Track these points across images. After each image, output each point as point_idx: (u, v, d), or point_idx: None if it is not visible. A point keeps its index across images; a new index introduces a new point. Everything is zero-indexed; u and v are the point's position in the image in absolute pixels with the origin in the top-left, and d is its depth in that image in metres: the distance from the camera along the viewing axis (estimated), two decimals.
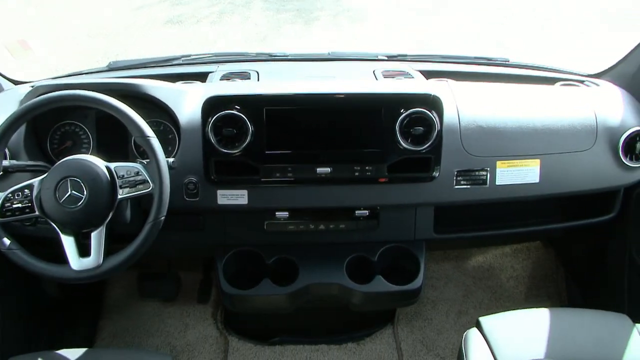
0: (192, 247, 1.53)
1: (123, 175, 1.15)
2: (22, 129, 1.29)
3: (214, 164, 1.28)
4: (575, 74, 1.68)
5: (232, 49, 4.86)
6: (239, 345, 1.81)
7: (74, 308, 1.83)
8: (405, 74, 1.54)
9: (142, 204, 1.26)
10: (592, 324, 1.21)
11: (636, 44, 1.50)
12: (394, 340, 1.83)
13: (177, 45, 4.98)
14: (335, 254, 1.40)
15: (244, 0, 6.23)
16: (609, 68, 1.63)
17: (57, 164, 1.16)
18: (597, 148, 1.39)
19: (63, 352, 1.16)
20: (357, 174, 1.30)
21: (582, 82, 1.62)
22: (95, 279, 1.14)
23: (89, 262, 1.12)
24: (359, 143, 1.30)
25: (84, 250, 1.13)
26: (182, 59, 1.69)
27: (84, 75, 1.64)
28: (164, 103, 1.32)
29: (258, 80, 1.51)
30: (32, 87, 1.34)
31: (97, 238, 1.13)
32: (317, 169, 1.30)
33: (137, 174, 1.15)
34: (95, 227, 1.13)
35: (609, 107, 1.45)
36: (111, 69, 1.65)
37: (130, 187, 1.14)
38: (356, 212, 1.38)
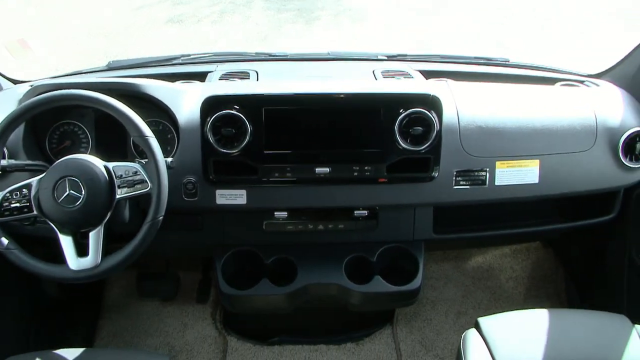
0: (190, 247, 1.53)
1: (121, 175, 1.15)
2: (20, 128, 1.29)
3: (213, 164, 1.28)
4: (575, 74, 1.68)
5: (233, 48, 4.86)
6: (238, 345, 1.81)
7: (73, 308, 1.83)
8: (405, 74, 1.53)
9: (140, 203, 1.25)
10: (590, 324, 1.21)
11: (636, 44, 1.49)
12: (393, 341, 1.83)
13: (178, 45, 4.98)
14: (334, 254, 1.40)
15: None
16: (609, 68, 1.63)
17: (55, 163, 1.16)
18: (597, 148, 1.39)
19: (61, 351, 1.16)
20: (356, 174, 1.30)
21: (582, 82, 1.62)
22: (93, 278, 1.14)
23: (87, 262, 1.12)
24: (358, 143, 1.30)
25: (82, 250, 1.13)
26: (182, 58, 1.69)
27: (83, 74, 1.64)
28: (163, 103, 1.32)
29: (257, 80, 1.51)
30: (31, 86, 1.34)
31: (95, 238, 1.12)
32: (316, 169, 1.29)
33: (136, 173, 1.15)
34: (94, 226, 1.13)
35: (608, 107, 1.45)
36: (110, 68, 1.65)
37: (128, 187, 1.14)
38: (355, 212, 1.38)
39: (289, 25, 5.62)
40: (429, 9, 5.80)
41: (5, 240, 1.13)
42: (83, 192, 1.11)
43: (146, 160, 1.16)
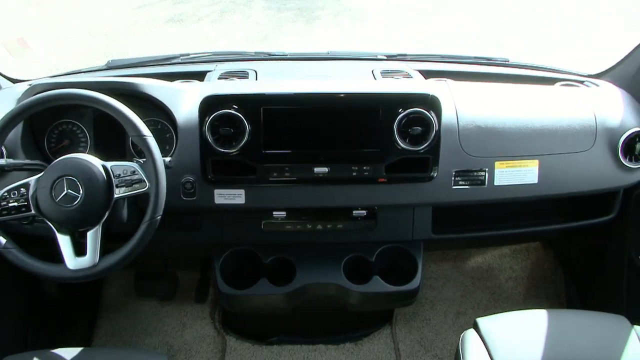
0: (189, 247, 1.53)
1: (119, 175, 1.15)
2: (19, 127, 1.29)
3: (211, 164, 1.28)
4: (575, 74, 1.68)
5: (233, 48, 4.86)
6: (237, 344, 1.81)
7: (72, 307, 1.82)
8: (404, 74, 1.53)
9: (139, 203, 1.25)
10: (589, 325, 1.20)
11: (636, 44, 1.49)
12: (392, 341, 1.83)
13: (178, 44, 4.98)
14: (333, 254, 1.39)
15: None
16: (609, 68, 1.63)
17: (53, 162, 1.16)
18: (597, 149, 1.39)
19: (59, 351, 1.16)
20: (354, 173, 1.30)
21: (581, 82, 1.61)
22: (91, 278, 1.13)
23: (84, 262, 1.12)
24: (356, 143, 1.30)
25: (80, 249, 1.13)
26: (181, 57, 1.69)
27: (82, 74, 1.64)
28: (161, 102, 1.32)
29: (256, 79, 1.50)
30: (29, 85, 1.34)
31: (93, 237, 1.12)
32: (315, 169, 1.29)
33: (134, 173, 1.15)
34: (92, 226, 1.13)
35: (608, 107, 1.45)
36: (110, 67, 1.65)
37: (126, 187, 1.14)
38: (354, 212, 1.37)
39: (289, 24, 5.62)
40: (429, 9, 5.80)
41: (3, 240, 1.13)
42: (81, 192, 1.11)
43: (144, 159, 1.16)
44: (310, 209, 1.37)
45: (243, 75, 1.51)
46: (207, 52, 1.74)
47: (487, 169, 1.34)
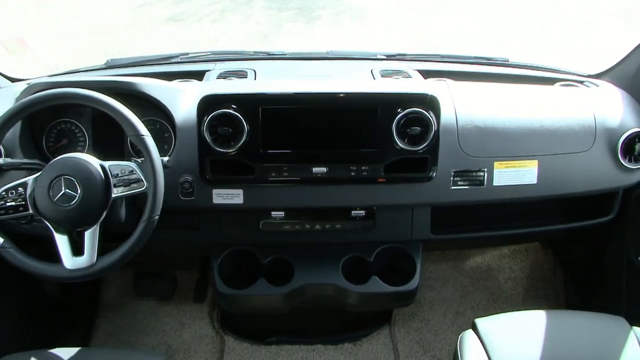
0: (187, 247, 1.52)
1: (117, 174, 1.14)
2: (17, 126, 1.29)
3: (210, 163, 1.28)
4: (575, 74, 1.68)
5: (234, 47, 4.86)
6: (235, 344, 1.80)
7: (70, 307, 1.82)
8: (403, 74, 1.53)
9: (137, 202, 1.25)
10: (588, 326, 1.20)
11: (636, 44, 1.49)
12: (391, 341, 1.83)
13: (179, 44, 4.98)
14: (331, 254, 1.39)
15: None
16: (609, 68, 1.62)
17: (51, 162, 1.15)
18: (596, 149, 1.38)
19: (56, 351, 1.15)
20: (353, 174, 1.29)
21: (581, 82, 1.61)
22: (88, 278, 1.13)
23: (82, 261, 1.11)
24: (355, 143, 1.30)
25: (77, 249, 1.13)
26: (180, 57, 1.69)
27: (81, 73, 1.64)
28: (160, 101, 1.31)
29: (255, 79, 1.50)
30: (28, 84, 1.33)
31: (90, 237, 1.12)
32: (313, 169, 1.29)
33: (132, 172, 1.15)
34: (89, 225, 1.12)
35: (608, 108, 1.44)
36: (109, 66, 1.65)
37: (124, 186, 1.14)
38: (352, 212, 1.37)
39: (290, 24, 5.61)
40: (429, 9, 5.80)
41: (0, 239, 1.13)
42: (79, 191, 1.11)
43: (142, 159, 1.16)
44: (308, 209, 1.37)
45: (242, 74, 1.51)
46: (206, 52, 1.74)
47: (486, 169, 1.34)
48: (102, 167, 1.15)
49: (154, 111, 1.33)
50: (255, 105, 1.26)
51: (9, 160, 1.23)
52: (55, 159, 1.15)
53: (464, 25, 5.34)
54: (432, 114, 1.27)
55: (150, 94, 1.31)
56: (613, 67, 1.60)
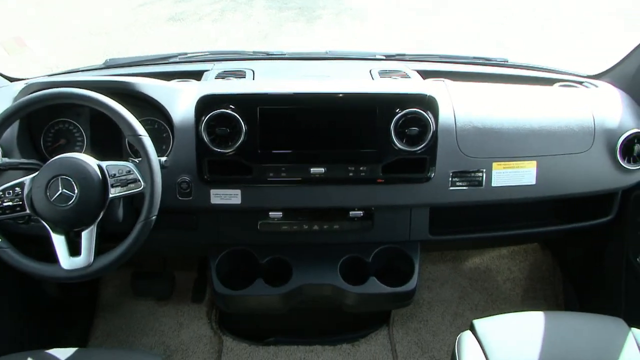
0: (185, 247, 1.52)
1: (115, 174, 1.14)
2: (15, 126, 1.29)
3: (207, 164, 1.28)
4: (574, 74, 1.67)
5: (234, 47, 4.85)
6: (233, 345, 1.80)
7: (69, 307, 1.82)
8: (402, 74, 1.53)
9: (134, 203, 1.25)
10: (586, 328, 1.20)
11: (636, 44, 1.48)
12: (389, 342, 1.82)
13: (179, 43, 4.97)
14: (329, 254, 1.39)
15: None
16: (608, 69, 1.62)
17: (48, 162, 1.15)
18: (595, 150, 1.38)
19: (54, 351, 1.15)
20: (351, 174, 1.29)
21: (580, 83, 1.61)
22: (85, 278, 1.13)
23: (79, 262, 1.11)
24: (353, 143, 1.29)
25: (75, 249, 1.13)
26: (179, 57, 1.69)
27: (79, 72, 1.64)
28: (157, 101, 1.31)
29: (253, 79, 1.50)
30: (26, 84, 1.33)
31: (87, 237, 1.12)
32: (311, 169, 1.29)
33: (129, 172, 1.14)
34: (86, 226, 1.12)
35: (607, 108, 1.44)
36: (108, 66, 1.65)
37: (121, 186, 1.14)
38: (350, 212, 1.37)
39: (290, 23, 5.61)
40: (429, 9, 5.79)
41: None
42: (76, 191, 1.11)
43: (140, 159, 1.16)
44: (306, 210, 1.37)
45: (240, 74, 1.51)
46: (205, 52, 1.74)
47: (484, 170, 1.33)
48: (100, 167, 1.14)
49: (152, 111, 1.33)
50: (253, 105, 1.26)
51: (6, 160, 1.23)
52: (53, 159, 1.15)
53: (464, 25, 5.34)
54: (430, 115, 1.27)
55: (148, 94, 1.31)
56: (612, 68, 1.60)
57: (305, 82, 1.37)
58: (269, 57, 1.72)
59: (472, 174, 1.33)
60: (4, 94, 1.40)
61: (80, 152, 1.30)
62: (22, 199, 1.13)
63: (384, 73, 1.52)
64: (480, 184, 1.34)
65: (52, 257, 1.13)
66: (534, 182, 1.35)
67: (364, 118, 1.28)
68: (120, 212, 1.21)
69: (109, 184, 1.13)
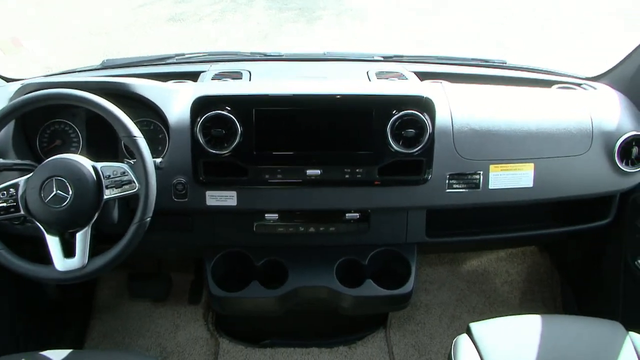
0: (180, 248, 1.52)
1: (109, 176, 1.14)
2: (10, 126, 1.28)
3: (203, 165, 1.27)
4: (572, 76, 1.66)
5: (234, 47, 4.85)
6: (230, 347, 1.80)
7: (66, 309, 1.81)
8: (399, 75, 1.52)
9: (130, 204, 1.25)
10: (584, 331, 1.19)
11: (635, 46, 1.48)
12: (386, 344, 1.82)
13: (179, 44, 4.97)
14: (325, 256, 1.38)
15: None
16: (606, 71, 1.61)
17: (43, 163, 1.15)
18: (593, 152, 1.37)
19: (49, 353, 1.15)
20: (347, 176, 1.29)
21: (579, 85, 1.60)
22: (80, 279, 1.13)
23: (73, 263, 1.11)
24: (349, 145, 1.29)
25: (69, 250, 1.12)
26: (176, 57, 1.68)
27: (76, 73, 1.63)
28: (153, 102, 1.31)
29: (250, 80, 1.49)
30: (22, 84, 1.33)
31: (82, 238, 1.12)
32: (307, 171, 1.28)
33: (124, 174, 1.14)
34: (81, 227, 1.12)
35: (605, 111, 1.43)
36: (105, 67, 1.64)
37: (116, 188, 1.13)
38: (347, 214, 1.36)
39: (290, 24, 5.61)
40: (429, 9, 5.78)
41: None
42: (70, 192, 1.10)
43: (135, 160, 1.15)
44: (302, 212, 1.36)
45: (237, 75, 1.50)
46: (202, 52, 1.73)
47: (481, 172, 1.33)
48: (94, 168, 1.14)
49: (148, 112, 1.32)
50: (248, 106, 1.25)
51: (1, 160, 1.23)
52: (47, 160, 1.15)
53: (464, 26, 5.33)
54: (427, 116, 1.26)
55: (143, 95, 1.31)
56: (610, 70, 1.59)
57: (301, 84, 1.37)
58: (266, 58, 1.71)
59: (469, 176, 1.33)
60: (0, 94, 1.40)
61: (76, 153, 1.30)
62: (16, 200, 1.12)
63: (381, 74, 1.52)
64: (477, 186, 1.33)
65: (46, 259, 1.12)
66: (531, 185, 1.35)
67: (361, 120, 1.27)
68: (115, 213, 1.20)
69: (104, 185, 1.13)
